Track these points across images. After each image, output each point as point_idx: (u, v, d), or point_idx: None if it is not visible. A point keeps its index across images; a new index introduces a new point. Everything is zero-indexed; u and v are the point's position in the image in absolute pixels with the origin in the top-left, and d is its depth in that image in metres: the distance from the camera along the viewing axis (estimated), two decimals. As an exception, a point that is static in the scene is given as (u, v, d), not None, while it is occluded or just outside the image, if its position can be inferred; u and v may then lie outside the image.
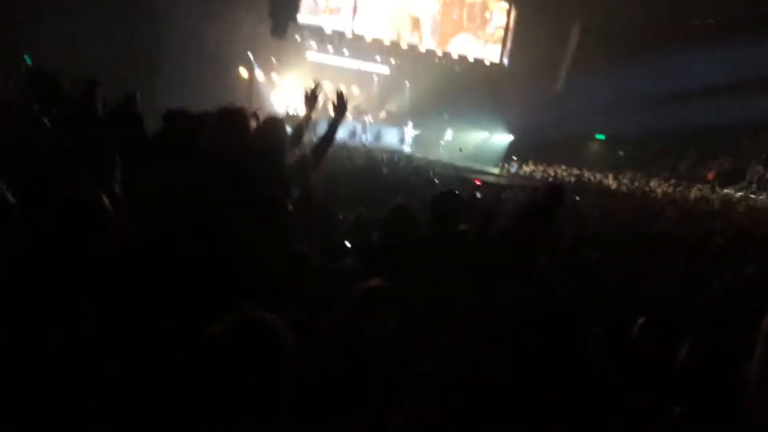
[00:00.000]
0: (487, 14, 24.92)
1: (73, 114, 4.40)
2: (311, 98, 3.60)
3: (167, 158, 3.07)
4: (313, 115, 17.18)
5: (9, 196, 2.23)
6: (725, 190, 23.47)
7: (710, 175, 24.87)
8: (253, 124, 2.95)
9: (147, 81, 21.48)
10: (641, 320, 4.23)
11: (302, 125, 3.57)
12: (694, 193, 20.91)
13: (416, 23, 24.35)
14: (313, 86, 3.74)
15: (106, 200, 2.10)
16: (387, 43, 24.03)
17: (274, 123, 3.07)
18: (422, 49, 24.66)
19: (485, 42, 25.04)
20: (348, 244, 7.06)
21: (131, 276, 2.26)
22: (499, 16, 24.88)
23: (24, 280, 2.04)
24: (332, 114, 3.74)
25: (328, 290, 2.46)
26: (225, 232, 2.49)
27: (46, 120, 4.40)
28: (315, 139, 3.67)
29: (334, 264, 3.04)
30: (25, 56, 17.15)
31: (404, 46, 24.38)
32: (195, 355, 1.59)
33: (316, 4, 22.35)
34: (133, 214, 2.90)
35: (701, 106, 21.60)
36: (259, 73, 24.28)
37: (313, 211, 7.63)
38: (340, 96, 3.46)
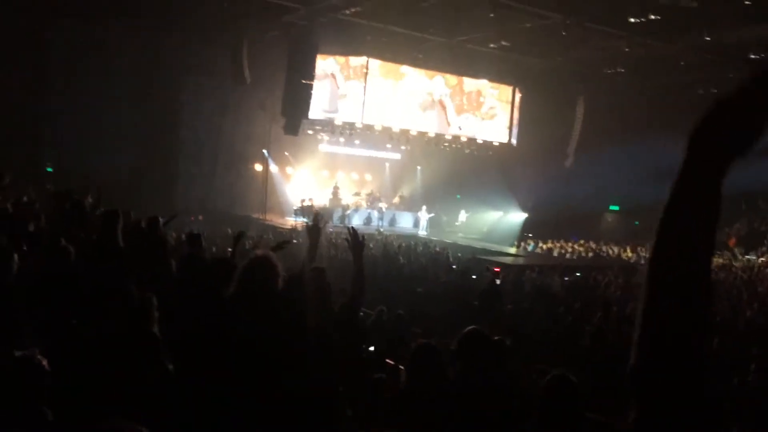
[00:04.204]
0: (481, 98, 25.96)
1: (96, 245, 4.48)
2: (314, 230, 3.61)
3: (194, 303, 3.10)
4: (330, 205, 17.31)
5: (45, 364, 2.27)
6: (746, 257, 23.16)
7: (732, 242, 24.57)
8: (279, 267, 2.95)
9: (167, 178, 22.09)
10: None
11: (307, 258, 3.58)
12: (716, 261, 20.61)
13: (441, 105, 25.08)
14: (313, 221, 3.75)
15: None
16: (396, 130, 24.58)
17: (300, 278, 3.09)
18: (431, 134, 25.16)
19: (482, 119, 25.80)
20: (371, 349, 6.99)
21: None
22: (491, 99, 26.11)
23: None
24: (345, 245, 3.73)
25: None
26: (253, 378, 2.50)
27: (71, 250, 4.47)
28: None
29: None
30: (48, 168, 17.79)
31: (413, 132, 24.90)
32: None
33: (326, 96, 23.03)
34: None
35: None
36: (273, 167, 24.84)
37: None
38: (354, 235, 3.45)
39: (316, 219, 3.64)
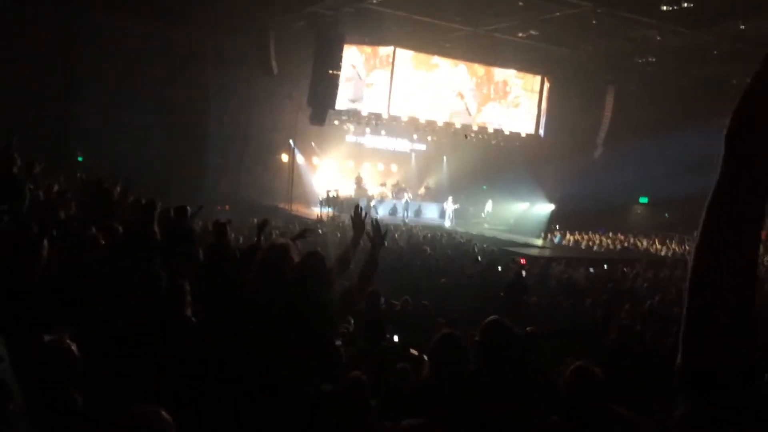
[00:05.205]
0: (508, 88, 25.95)
1: (128, 232, 4.53)
2: (358, 222, 3.53)
3: (217, 289, 3.14)
4: (355, 195, 17.19)
5: (74, 349, 2.32)
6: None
7: (764, 234, 24.04)
8: (296, 257, 2.96)
9: (194, 170, 22.34)
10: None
11: (350, 250, 3.54)
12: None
13: (460, 96, 25.07)
14: (359, 212, 3.64)
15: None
16: (422, 121, 24.50)
17: (314, 259, 3.06)
18: (458, 125, 25.03)
19: (507, 107, 25.70)
20: (396, 338, 7.00)
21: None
22: (516, 89, 26.10)
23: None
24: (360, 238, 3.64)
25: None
26: (271, 367, 2.51)
27: (101, 238, 4.53)
28: (372, 222, 3.53)
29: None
30: (79, 158, 18.06)
31: (440, 123, 24.80)
32: None
33: (350, 86, 23.02)
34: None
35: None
36: (299, 158, 24.94)
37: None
38: (376, 225, 3.38)
39: (358, 211, 3.57)
